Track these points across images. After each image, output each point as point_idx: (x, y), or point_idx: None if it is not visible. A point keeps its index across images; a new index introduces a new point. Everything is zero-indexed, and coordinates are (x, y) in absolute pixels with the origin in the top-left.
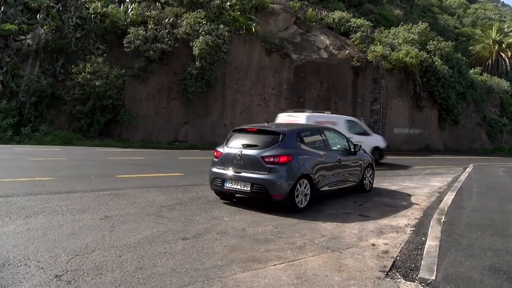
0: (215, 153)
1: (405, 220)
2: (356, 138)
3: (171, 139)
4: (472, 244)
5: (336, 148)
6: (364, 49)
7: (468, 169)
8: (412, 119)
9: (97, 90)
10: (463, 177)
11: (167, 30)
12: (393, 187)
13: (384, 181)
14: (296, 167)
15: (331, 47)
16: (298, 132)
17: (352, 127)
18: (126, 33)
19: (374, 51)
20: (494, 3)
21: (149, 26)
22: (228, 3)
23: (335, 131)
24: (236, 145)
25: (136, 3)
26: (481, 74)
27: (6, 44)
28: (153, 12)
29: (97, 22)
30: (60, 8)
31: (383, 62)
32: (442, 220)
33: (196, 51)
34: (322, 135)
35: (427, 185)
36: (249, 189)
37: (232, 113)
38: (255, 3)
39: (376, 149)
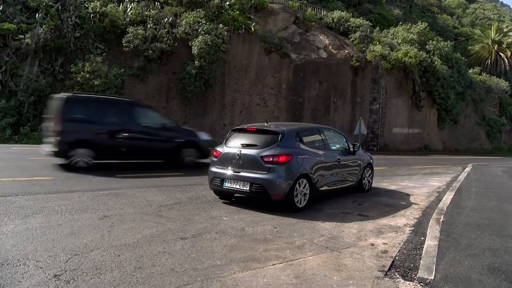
0: (214, 153)
1: (404, 219)
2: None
3: None
4: (471, 243)
5: (335, 147)
6: (363, 49)
7: (467, 169)
8: (411, 119)
9: (96, 90)
10: (462, 177)
11: (166, 30)
12: (392, 187)
13: (383, 181)
14: (295, 166)
15: (330, 47)
16: (297, 131)
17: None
18: (125, 32)
19: (373, 51)
20: (493, 3)
21: (148, 26)
22: (227, 3)
23: (334, 130)
24: (235, 145)
25: (135, 3)
26: (480, 74)
27: (5, 43)
28: (152, 12)
29: (96, 21)
30: (59, 8)
31: (382, 62)
32: (441, 220)
33: (195, 50)
34: (321, 135)
35: (426, 185)
36: (248, 188)
37: (231, 113)
38: (254, 2)
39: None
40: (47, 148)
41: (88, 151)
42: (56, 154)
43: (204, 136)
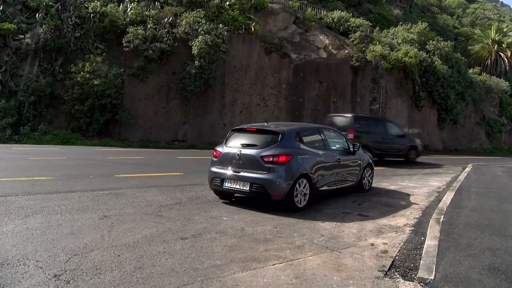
0: (214, 153)
1: (404, 219)
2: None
3: (170, 138)
4: (471, 243)
5: (335, 147)
6: (363, 49)
7: (467, 169)
8: (411, 119)
9: (96, 90)
10: (462, 177)
11: (166, 30)
12: (392, 187)
13: (383, 181)
14: (295, 166)
15: (330, 47)
16: (297, 131)
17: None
18: (125, 32)
19: (373, 51)
20: (493, 3)
21: (148, 26)
22: (227, 3)
23: (335, 130)
24: (235, 145)
25: (135, 3)
26: (480, 74)
27: (5, 43)
28: (152, 12)
29: (96, 21)
30: (59, 7)
31: (382, 62)
32: (441, 220)
33: (195, 50)
34: (321, 135)
35: (426, 185)
36: (248, 188)
37: (231, 113)
38: (254, 2)
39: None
40: None
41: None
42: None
43: (419, 141)
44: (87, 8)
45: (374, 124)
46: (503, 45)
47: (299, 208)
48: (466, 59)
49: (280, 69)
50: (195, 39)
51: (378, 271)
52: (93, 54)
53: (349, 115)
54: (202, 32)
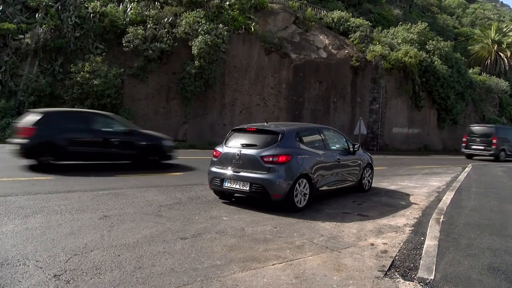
0: (214, 153)
1: (404, 219)
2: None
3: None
4: (471, 243)
5: (335, 147)
6: (363, 48)
7: (467, 169)
8: (411, 119)
9: (96, 89)
10: (462, 176)
11: (166, 30)
12: (392, 187)
13: (383, 181)
14: (295, 166)
15: (330, 47)
16: (297, 131)
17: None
18: (125, 32)
19: (373, 51)
20: (493, 3)
21: (148, 26)
22: (227, 3)
23: (334, 130)
24: (235, 145)
25: (135, 3)
26: (480, 74)
27: (4, 43)
28: (152, 12)
29: (96, 21)
30: (59, 7)
31: (382, 62)
32: (441, 220)
33: (195, 50)
34: (321, 135)
35: (426, 185)
36: (248, 188)
37: (231, 113)
38: (254, 2)
39: None
40: (479, 152)
41: (504, 153)
42: (491, 155)
43: None
44: (87, 8)
45: (507, 132)
46: (503, 45)
47: (299, 208)
48: (466, 59)
49: (280, 69)
50: (195, 39)
51: (378, 271)
52: (93, 54)
53: (492, 125)
54: (202, 32)
